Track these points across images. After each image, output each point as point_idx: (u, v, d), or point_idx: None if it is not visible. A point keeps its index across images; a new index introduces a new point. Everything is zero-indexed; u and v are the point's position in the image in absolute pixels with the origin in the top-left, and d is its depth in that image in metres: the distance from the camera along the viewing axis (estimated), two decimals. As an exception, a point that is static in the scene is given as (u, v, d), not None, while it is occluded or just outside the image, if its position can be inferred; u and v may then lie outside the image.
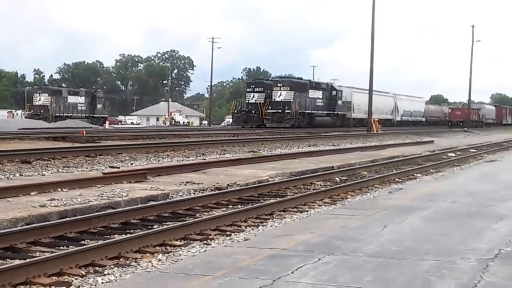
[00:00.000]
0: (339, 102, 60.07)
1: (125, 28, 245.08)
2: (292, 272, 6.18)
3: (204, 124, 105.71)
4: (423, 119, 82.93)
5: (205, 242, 8.53)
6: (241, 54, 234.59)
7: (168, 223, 9.78)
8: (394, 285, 5.73)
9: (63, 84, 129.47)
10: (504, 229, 8.82)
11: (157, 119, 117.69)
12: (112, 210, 10.38)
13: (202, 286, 5.69)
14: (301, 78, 60.52)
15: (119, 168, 17.10)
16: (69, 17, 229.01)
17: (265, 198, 13.05)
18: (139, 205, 11.07)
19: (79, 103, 64.68)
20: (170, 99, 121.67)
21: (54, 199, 10.78)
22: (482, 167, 21.42)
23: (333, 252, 7.12)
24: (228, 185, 14.35)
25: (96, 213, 10.02)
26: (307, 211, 11.33)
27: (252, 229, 9.51)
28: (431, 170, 20.11)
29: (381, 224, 9.01)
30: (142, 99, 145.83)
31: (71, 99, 64.02)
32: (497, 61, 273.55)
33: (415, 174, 18.63)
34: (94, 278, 6.51)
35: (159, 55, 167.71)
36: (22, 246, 7.94)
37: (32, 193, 11.56)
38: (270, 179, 15.94)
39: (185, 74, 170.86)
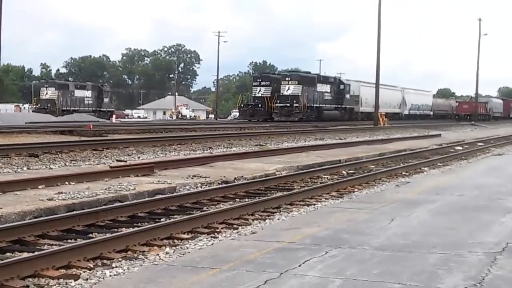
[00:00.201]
0: (347, 96, 60.09)
1: (131, 22, 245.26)
2: (299, 265, 6.19)
3: (211, 118, 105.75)
4: (431, 113, 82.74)
5: (213, 235, 8.55)
6: (247, 48, 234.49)
7: (175, 216, 9.79)
8: (402, 278, 5.73)
9: (70, 78, 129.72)
10: (512, 223, 8.80)
11: (164, 113, 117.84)
12: (119, 204, 10.41)
13: (209, 279, 5.70)
14: (309, 72, 60.61)
15: (126, 161, 17.14)
16: (76, 11, 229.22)
17: (272, 191, 13.05)
18: (146, 199, 11.10)
19: (86, 97, 64.80)
20: (176, 93, 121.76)
21: (61, 193, 10.82)
22: (489, 161, 21.37)
23: (340, 245, 7.12)
24: (235, 178, 14.36)
25: (103, 207, 10.05)
26: (314, 204, 11.32)
27: (259, 222, 9.52)
28: (438, 164, 20.06)
29: (388, 218, 9.00)
30: (149, 93, 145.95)
31: (78, 93, 64.14)
32: (504, 55, 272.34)
33: (422, 168, 18.59)
34: (102, 271, 6.53)
35: (165, 49, 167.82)
36: (30, 239, 7.98)
37: (40, 187, 11.61)
38: (277, 173, 15.94)
39: (191, 68, 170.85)
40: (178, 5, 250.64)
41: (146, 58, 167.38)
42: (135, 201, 10.75)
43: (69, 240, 8.10)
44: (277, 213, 10.39)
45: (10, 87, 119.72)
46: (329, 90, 58.04)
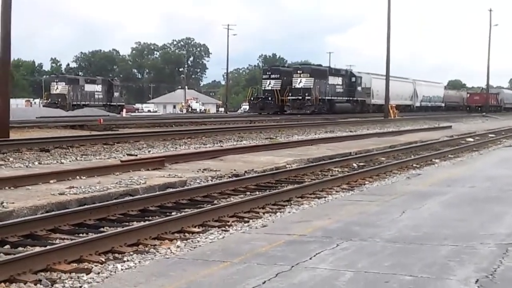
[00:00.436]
0: (359, 88, 60.08)
1: (140, 16, 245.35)
2: (311, 258, 6.18)
3: (221, 111, 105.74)
4: (442, 104, 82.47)
5: (223, 228, 8.56)
6: (257, 41, 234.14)
7: (186, 210, 9.81)
8: (413, 270, 5.72)
9: (80, 73, 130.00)
10: (524, 214, 8.76)
11: (174, 107, 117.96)
12: (130, 198, 10.44)
13: (220, 272, 5.71)
14: (320, 65, 60.63)
15: (136, 155, 17.17)
16: (86, 6, 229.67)
17: (283, 184, 13.06)
18: (157, 192, 11.12)
19: (96, 91, 64.93)
20: (186, 87, 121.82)
21: (73, 187, 10.86)
22: (501, 152, 21.28)
23: (351, 238, 7.11)
24: (246, 172, 14.37)
25: (114, 201, 10.08)
26: (325, 197, 11.32)
27: (270, 215, 9.52)
28: (449, 156, 20.00)
29: (399, 210, 8.98)
30: (159, 87, 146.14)
31: (88, 87, 64.28)
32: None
33: (433, 160, 18.54)
34: (113, 265, 6.55)
35: (175, 42, 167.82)
36: (42, 234, 8.02)
37: (51, 181, 11.65)
38: (287, 166, 15.93)
39: (201, 62, 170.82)
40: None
41: (155, 52, 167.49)
42: (146, 195, 10.78)
43: (81, 234, 8.13)
44: (288, 206, 10.38)
45: (20, 82, 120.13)
46: (340, 83, 58.07)
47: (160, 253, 7.06)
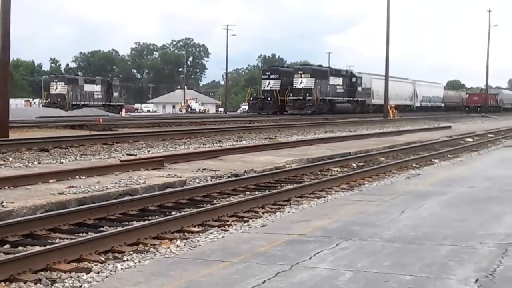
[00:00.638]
0: (359, 88, 60.30)
1: (140, 16, 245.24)
2: (310, 258, 6.19)
3: (220, 111, 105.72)
4: (442, 105, 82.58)
5: (223, 228, 8.56)
6: (256, 41, 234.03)
7: (186, 209, 9.81)
8: (413, 270, 5.72)
9: (79, 73, 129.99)
10: (523, 214, 8.77)
11: (173, 107, 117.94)
12: (130, 197, 10.44)
13: (220, 272, 5.71)
14: (321, 66, 60.86)
15: (136, 155, 17.18)
16: (85, 6, 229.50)
17: (282, 184, 13.06)
18: (157, 192, 11.12)
19: (96, 91, 64.91)
20: (185, 87, 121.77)
21: (72, 187, 10.86)
22: (500, 152, 21.29)
23: (351, 237, 7.12)
24: (245, 171, 14.37)
25: (114, 200, 10.09)
26: (324, 197, 11.32)
27: (270, 215, 9.53)
28: (448, 156, 20.01)
29: (398, 210, 8.98)
30: (158, 87, 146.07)
31: (88, 87, 64.25)
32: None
33: (432, 160, 18.55)
34: (113, 264, 6.56)
35: (174, 43, 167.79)
36: (42, 233, 8.02)
37: (51, 181, 11.65)
38: (287, 166, 15.94)
39: (200, 62, 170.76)
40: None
41: (155, 52, 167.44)
42: (145, 194, 10.79)
43: (81, 234, 8.13)
44: (288, 206, 10.39)
45: (20, 82, 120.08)
46: (341, 83, 58.28)
47: (160, 253, 7.06)
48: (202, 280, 5.47)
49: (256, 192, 11.82)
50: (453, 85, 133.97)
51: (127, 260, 6.78)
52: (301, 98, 53.46)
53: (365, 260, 6.09)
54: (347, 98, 58.52)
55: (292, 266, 5.88)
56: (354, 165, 17.06)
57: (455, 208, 9.26)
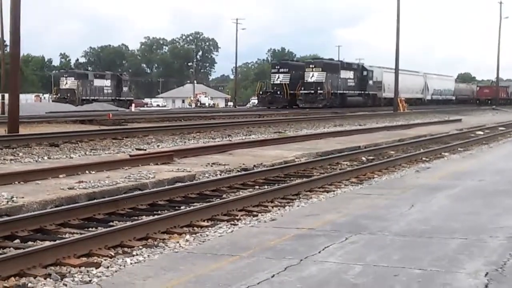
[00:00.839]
0: (370, 82, 60.20)
1: (149, 11, 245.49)
2: (319, 252, 6.18)
3: (230, 105, 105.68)
4: (453, 98, 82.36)
5: (232, 222, 8.56)
6: (265, 35, 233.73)
7: (195, 204, 9.83)
8: (422, 263, 5.70)
9: (89, 68, 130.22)
10: (534, 207, 8.72)
11: (183, 101, 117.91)
12: (139, 192, 10.46)
13: (229, 266, 5.72)
14: (332, 59, 60.81)
15: (145, 150, 17.21)
16: (95, 1, 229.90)
17: (292, 178, 13.05)
18: (166, 187, 11.13)
19: (105, 86, 65.00)
20: (195, 81, 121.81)
21: (82, 181, 10.89)
22: (511, 145, 21.18)
23: (360, 231, 7.10)
24: (254, 166, 14.37)
25: (123, 195, 10.11)
26: (334, 191, 11.30)
27: (279, 209, 9.51)
28: (459, 149, 19.93)
29: (408, 203, 8.96)
30: (168, 82, 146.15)
31: (97, 82, 64.36)
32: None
33: (442, 153, 18.48)
34: (123, 259, 6.57)
35: (184, 37, 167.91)
36: (51, 228, 8.04)
37: (61, 176, 11.69)
38: (296, 160, 15.92)
39: (209, 56, 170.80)
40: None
41: (164, 47, 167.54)
42: (155, 189, 10.80)
43: (90, 229, 8.15)
44: (297, 200, 10.38)
45: (30, 77, 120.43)
46: (352, 77, 58.21)
47: (169, 247, 7.07)
48: (211, 274, 5.47)
49: (266, 186, 11.81)
50: (464, 78, 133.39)
51: (137, 254, 6.79)
52: (313, 91, 53.46)
53: (374, 254, 6.07)
54: (358, 92, 58.47)
55: (301, 260, 5.87)
56: (363, 158, 17.02)
57: (465, 202, 9.22)
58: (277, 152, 17.05)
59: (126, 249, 7.13)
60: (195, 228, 8.29)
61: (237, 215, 9.11)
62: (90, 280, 5.80)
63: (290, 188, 11.22)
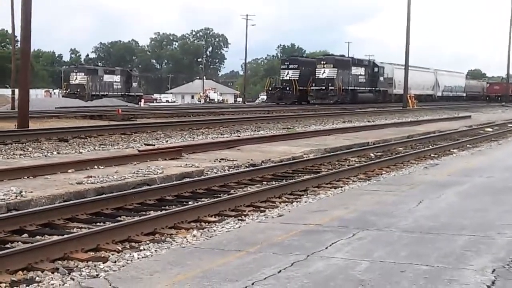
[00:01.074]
0: (381, 78, 60.25)
1: (160, 6, 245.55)
2: (326, 248, 6.17)
3: (239, 101, 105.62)
4: (464, 94, 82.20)
5: (240, 218, 8.57)
6: (275, 31, 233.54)
7: (202, 199, 9.84)
8: (430, 260, 5.69)
9: (99, 63, 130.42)
10: (543, 204, 8.68)
11: (192, 97, 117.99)
12: (147, 187, 10.48)
13: (236, 261, 5.72)
14: (343, 56, 60.81)
15: (154, 145, 17.24)
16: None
17: (300, 174, 13.04)
18: (174, 182, 11.14)
19: (115, 81, 65.15)
20: (204, 77, 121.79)
21: (90, 176, 10.92)
22: (520, 142, 21.08)
23: (368, 227, 7.09)
24: (263, 161, 14.36)
25: (132, 190, 10.12)
26: (342, 187, 11.29)
27: (286, 205, 9.51)
28: (467, 145, 19.86)
29: (416, 200, 8.94)
30: (177, 77, 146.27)
31: (107, 78, 64.52)
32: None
33: (451, 150, 18.42)
34: (130, 254, 6.59)
35: (194, 33, 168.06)
36: (59, 223, 8.08)
37: (70, 171, 11.72)
38: (304, 156, 15.90)
39: (219, 52, 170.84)
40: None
41: (174, 43, 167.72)
42: (163, 184, 10.82)
43: (98, 223, 8.19)
44: (305, 196, 10.37)
45: (40, 72, 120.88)
46: (363, 73, 58.25)
47: (176, 242, 7.08)
48: (218, 269, 5.48)
49: (273, 182, 11.80)
50: (474, 75, 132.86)
51: (144, 249, 6.81)
52: (324, 88, 53.60)
53: (381, 250, 6.07)
54: (369, 88, 58.53)
55: (308, 256, 5.87)
56: (372, 155, 16.99)
57: (474, 199, 9.19)
58: (285, 148, 17.05)
59: (133, 244, 7.16)
60: (203, 224, 8.31)
61: (245, 211, 9.12)
62: (97, 275, 5.82)
63: (298, 184, 11.21)
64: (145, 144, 17.55)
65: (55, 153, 15.08)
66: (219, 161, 13.98)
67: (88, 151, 15.74)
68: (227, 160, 14.20)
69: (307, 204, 9.34)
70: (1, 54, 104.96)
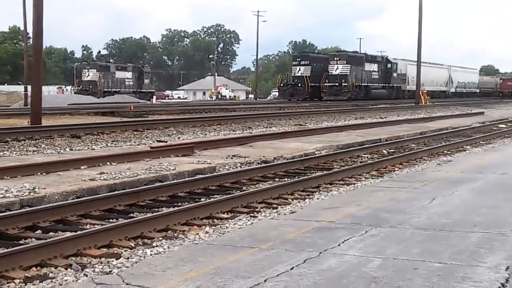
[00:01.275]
0: (394, 74, 60.16)
1: (171, 3, 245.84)
2: (339, 245, 6.16)
3: (250, 98, 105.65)
4: (477, 90, 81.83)
5: (252, 215, 8.56)
6: (286, 27, 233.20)
7: (215, 196, 9.83)
8: (443, 257, 5.66)
9: (111, 60, 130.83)
10: (557, 201, 8.62)
11: (204, 94, 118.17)
12: (160, 184, 10.50)
13: (248, 258, 5.72)
14: (357, 52, 60.88)
15: (166, 142, 17.26)
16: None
17: (312, 171, 13.02)
18: (186, 179, 11.16)
19: (127, 78, 65.31)
20: (216, 73, 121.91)
21: (103, 173, 10.95)
22: (534, 139, 20.95)
23: (380, 224, 7.07)
24: (275, 158, 14.35)
25: (144, 186, 10.15)
26: (354, 183, 11.26)
27: (299, 202, 9.50)
28: (481, 142, 19.76)
29: (429, 197, 8.89)
30: (189, 74, 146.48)
31: (119, 74, 64.68)
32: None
33: (464, 146, 18.34)
34: (143, 250, 6.60)
35: (205, 29, 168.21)
36: (72, 219, 8.11)
37: (82, 167, 11.77)
38: (316, 152, 15.88)
39: (230, 48, 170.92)
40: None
41: (185, 39, 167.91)
42: (175, 181, 10.84)
43: (111, 220, 8.21)
44: (317, 193, 10.35)
45: (52, 69, 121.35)
46: (376, 69, 58.20)
47: (188, 239, 7.08)
48: (230, 266, 5.48)
49: (286, 179, 11.80)
50: (487, 71, 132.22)
51: (156, 246, 6.81)
52: (337, 84, 53.65)
53: (394, 247, 6.04)
54: (382, 84, 58.49)
55: (321, 253, 5.86)
56: (384, 151, 16.94)
57: (487, 195, 9.14)
58: (297, 145, 17.03)
59: (146, 240, 7.17)
60: (215, 220, 8.31)
61: (257, 207, 9.11)
62: (110, 271, 5.84)
63: (310, 181, 11.20)
64: (157, 141, 17.58)
65: (67, 149, 15.15)
66: (231, 158, 13.99)
67: (100, 147, 15.79)
68: (239, 156, 14.20)
69: (320, 201, 9.31)
70: (13, 51, 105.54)
